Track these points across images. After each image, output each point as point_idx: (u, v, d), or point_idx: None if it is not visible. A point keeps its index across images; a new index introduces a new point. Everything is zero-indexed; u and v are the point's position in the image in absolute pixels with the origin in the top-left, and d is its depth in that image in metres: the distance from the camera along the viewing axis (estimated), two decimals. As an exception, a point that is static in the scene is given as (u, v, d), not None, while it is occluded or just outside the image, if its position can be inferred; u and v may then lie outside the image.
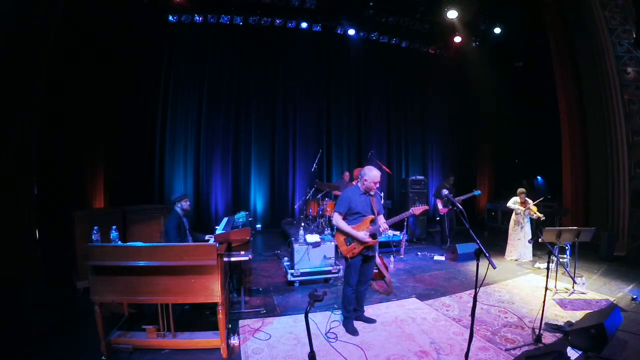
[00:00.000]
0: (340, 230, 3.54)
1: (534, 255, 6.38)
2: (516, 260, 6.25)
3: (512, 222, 6.41)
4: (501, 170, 10.26)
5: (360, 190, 3.56)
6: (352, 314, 3.64)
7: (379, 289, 4.81)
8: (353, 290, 3.59)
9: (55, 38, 5.16)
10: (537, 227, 6.63)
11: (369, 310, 4.01)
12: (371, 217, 3.54)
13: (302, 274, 4.95)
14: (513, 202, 6.30)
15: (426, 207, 3.84)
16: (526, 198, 6.19)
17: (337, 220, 3.55)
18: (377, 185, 3.54)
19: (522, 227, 6.25)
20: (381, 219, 3.57)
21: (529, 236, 6.18)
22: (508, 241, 6.47)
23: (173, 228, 3.92)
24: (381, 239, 5.87)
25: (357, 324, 3.68)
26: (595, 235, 5.28)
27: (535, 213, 6.03)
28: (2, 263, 4.23)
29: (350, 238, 3.50)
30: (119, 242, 3.15)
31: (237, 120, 8.62)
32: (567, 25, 7.61)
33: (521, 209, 6.17)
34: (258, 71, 8.59)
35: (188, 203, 4.16)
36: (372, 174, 3.48)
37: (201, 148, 8.34)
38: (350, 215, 3.56)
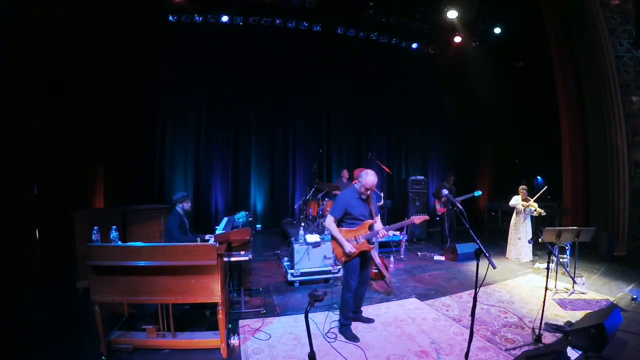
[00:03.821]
0: (332, 236, 3.46)
1: (534, 255, 6.38)
2: (517, 260, 6.25)
3: (512, 222, 6.42)
4: (501, 170, 10.26)
5: (358, 194, 3.45)
6: (351, 321, 3.56)
7: (379, 289, 4.81)
8: (353, 295, 3.50)
9: (55, 37, 5.17)
10: (537, 226, 6.63)
11: (369, 310, 4.01)
12: (370, 222, 3.46)
13: (302, 274, 4.95)
14: (515, 200, 6.30)
15: (427, 217, 3.74)
16: (527, 195, 6.20)
17: (330, 224, 3.42)
18: (369, 191, 3.41)
19: (522, 227, 6.25)
20: (376, 220, 3.52)
21: (530, 236, 6.18)
22: (508, 241, 6.47)
23: (176, 227, 3.94)
24: (381, 239, 5.87)
25: (357, 324, 3.67)
26: (595, 235, 5.29)
27: (536, 209, 6.04)
28: (2, 263, 4.23)
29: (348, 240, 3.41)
30: (119, 242, 3.15)
31: (237, 119, 8.62)
32: (567, 25, 7.61)
33: (524, 204, 6.17)
34: (258, 71, 8.59)
35: (189, 204, 4.17)
36: (368, 179, 3.34)
37: (201, 148, 8.35)
38: (347, 219, 3.46)
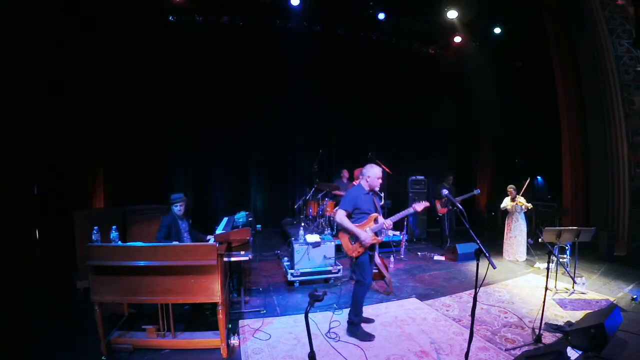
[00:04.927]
0: (344, 229, 3.49)
1: (533, 255, 6.39)
2: (513, 260, 6.26)
3: (506, 222, 6.47)
4: (501, 171, 10.24)
5: (365, 190, 3.54)
6: (360, 318, 3.56)
7: (379, 289, 4.81)
8: (366, 291, 3.56)
9: (55, 37, 5.16)
10: (537, 226, 6.64)
11: (369, 310, 4.01)
12: (375, 215, 3.55)
13: (302, 274, 4.94)
14: (504, 202, 6.36)
15: (427, 204, 3.75)
16: (515, 194, 6.22)
17: (341, 217, 3.47)
18: (380, 181, 3.54)
19: (516, 226, 6.26)
20: (381, 218, 3.58)
21: (525, 235, 6.21)
22: (504, 241, 6.50)
23: (163, 227, 3.88)
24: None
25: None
26: (595, 235, 5.30)
27: (523, 204, 6.06)
28: (2, 263, 4.24)
29: (354, 237, 3.47)
30: (119, 242, 3.15)
31: (237, 119, 8.62)
32: (567, 25, 7.60)
33: (511, 204, 6.20)
34: (258, 71, 8.57)
35: (179, 208, 3.99)
36: (374, 171, 3.50)
37: (201, 147, 8.34)
38: (355, 214, 3.53)
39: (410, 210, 3.61)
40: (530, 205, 6.11)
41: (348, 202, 3.52)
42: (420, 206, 3.61)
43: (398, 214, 3.67)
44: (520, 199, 6.12)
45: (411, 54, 9.82)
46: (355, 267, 3.54)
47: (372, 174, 3.50)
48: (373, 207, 3.57)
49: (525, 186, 6.25)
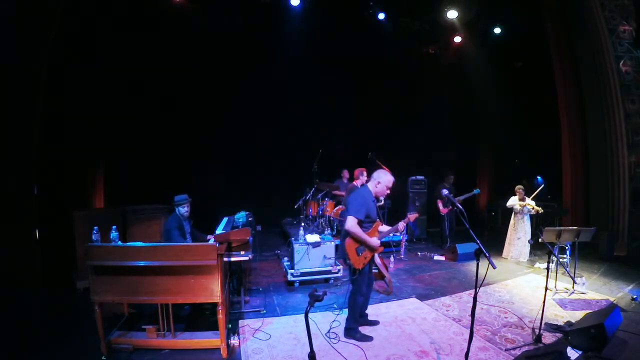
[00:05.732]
0: (355, 238, 3.27)
1: (534, 255, 6.38)
2: (516, 260, 6.25)
3: (511, 222, 6.43)
4: (501, 170, 10.25)
5: (372, 195, 3.39)
6: (359, 323, 3.54)
7: (379, 289, 4.80)
8: (364, 297, 3.56)
9: (55, 37, 5.17)
10: (537, 226, 6.64)
11: (369, 310, 3.99)
12: (378, 223, 3.47)
13: (302, 274, 4.95)
14: (512, 201, 6.31)
15: (417, 215, 3.80)
16: (524, 194, 6.21)
17: (354, 226, 3.20)
18: (389, 191, 3.42)
19: (521, 226, 6.25)
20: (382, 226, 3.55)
21: (529, 235, 6.19)
22: (507, 240, 6.48)
23: (173, 229, 3.84)
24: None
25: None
26: (595, 235, 5.30)
27: (533, 208, 6.05)
28: (2, 263, 4.24)
29: (362, 247, 3.30)
30: (119, 242, 3.15)
31: (237, 118, 8.62)
32: (567, 25, 7.61)
33: (521, 204, 6.18)
34: (257, 71, 8.57)
35: (186, 209, 3.96)
36: (387, 178, 3.37)
37: (201, 147, 8.34)
38: (365, 222, 3.33)
39: (406, 220, 3.54)
40: (540, 209, 6.07)
41: (359, 209, 3.26)
42: (413, 216, 3.62)
43: (392, 227, 3.55)
44: (530, 202, 6.09)
45: (411, 54, 9.81)
46: (357, 277, 3.36)
47: (385, 181, 3.34)
48: (376, 214, 3.46)
49: (537, 191, 6.23)
